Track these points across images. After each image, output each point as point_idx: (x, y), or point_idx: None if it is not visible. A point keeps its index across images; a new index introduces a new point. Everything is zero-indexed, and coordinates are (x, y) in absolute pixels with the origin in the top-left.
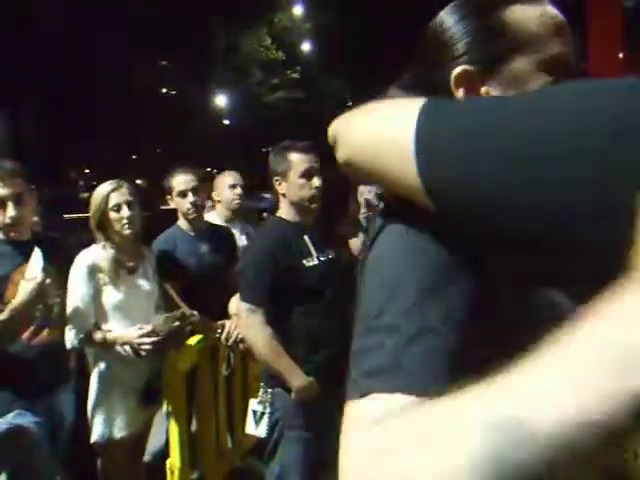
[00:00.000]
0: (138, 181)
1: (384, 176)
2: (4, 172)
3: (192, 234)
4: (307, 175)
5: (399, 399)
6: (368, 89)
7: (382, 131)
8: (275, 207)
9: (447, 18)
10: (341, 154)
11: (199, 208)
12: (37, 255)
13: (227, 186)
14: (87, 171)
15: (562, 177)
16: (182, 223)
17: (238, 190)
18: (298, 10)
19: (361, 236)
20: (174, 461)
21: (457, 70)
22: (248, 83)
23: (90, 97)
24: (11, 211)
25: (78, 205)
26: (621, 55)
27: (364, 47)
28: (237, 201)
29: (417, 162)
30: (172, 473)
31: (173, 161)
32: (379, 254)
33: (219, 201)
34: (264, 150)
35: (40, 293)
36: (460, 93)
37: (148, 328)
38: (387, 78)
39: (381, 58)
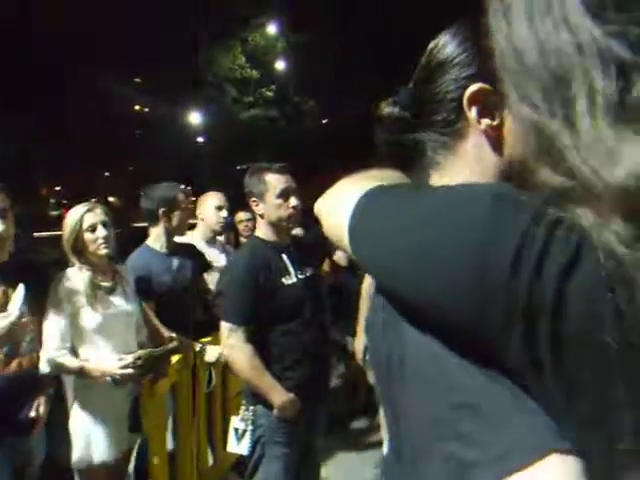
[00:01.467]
0: (110, 198)
1: (343, 249)
2: None
3: (164, 252)
4: (284, 195)
5: None
6: (343, 107)
7: (335, 217)
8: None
9: (453, 37)
10: (323, 228)
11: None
12: (19, 292)
13: (213, 207)
14: (58, 188)
15: (440, 273)
16: (152, 241)
17: (224, 213)
18: (272, 29)
19: None
20: None
21: (473, 88)
22: (222, 101)
23: (61, 113)
24: None
25: (48, 223)
26: None
27: (339, 66)
28: (222, 223)
29: (350, 246)
30: None
31: (145, 178)
32: None
33: (202, 219)
34: (239, 168)
35: (11, 332)
36: (474, 112)
37: (129, 359)
38: (362, 96)
39: (356, 77)
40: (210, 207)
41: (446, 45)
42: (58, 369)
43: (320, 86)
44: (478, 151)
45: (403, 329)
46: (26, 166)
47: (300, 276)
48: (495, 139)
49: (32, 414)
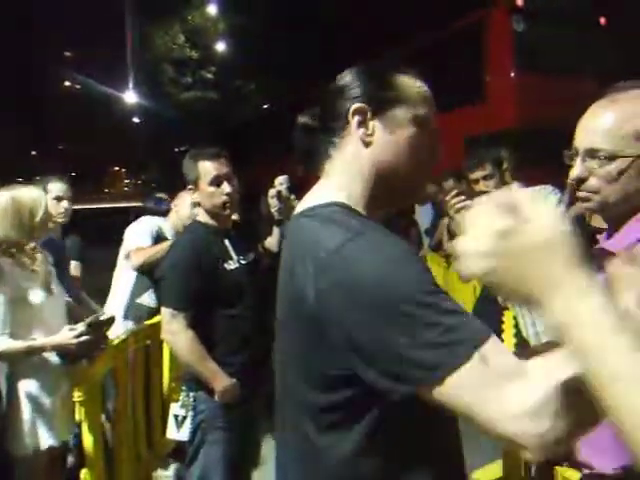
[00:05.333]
0: (37, 177)
1: None
2: None
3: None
4: (216, 182)
5: None
6: (284, 91)
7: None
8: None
9: (351, 73)
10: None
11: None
12: None
13: (190, 205)
14: None
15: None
16: None
17: (196, 210)
18: (212, 9)
19: (276, 231)
20: (89, 471)
21: (356, 105)
22: (159, 81)
23: None
24: None
25: None
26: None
27: (280, 49)
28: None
29: None
30: None
31: (77, 158)
32: None
33: (176, 211)
34: (177, 150)
35: None
36: (354, 121)
37: (81, 327)
38: (303, 80)
39: (298, 60)
40: (188, 204)
41: (346, 76)
42: (3, 355)
43: (261, 70)
44: (355, 151)
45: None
46: None
47: (242, 261)
48: (367, 144)
49: None
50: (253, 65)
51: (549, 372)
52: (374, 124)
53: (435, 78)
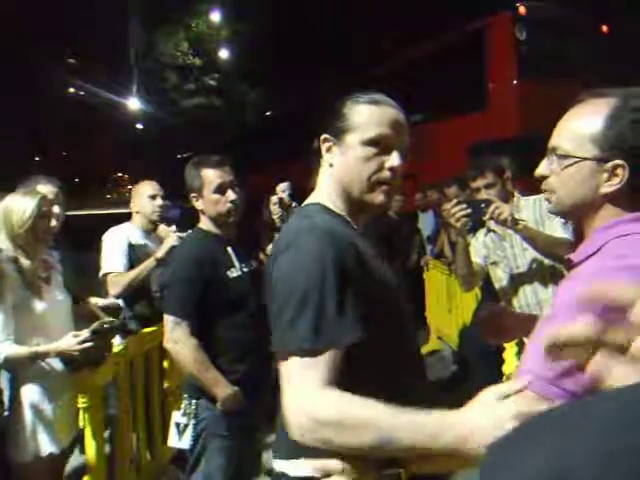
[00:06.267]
0: (40, 185)
1: None
2: None
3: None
4: (220, 190)
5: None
6: (286, 98)
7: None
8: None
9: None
10: None
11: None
12: None
13: (147, 196)
14: None
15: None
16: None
17: (158, 201)
18: (216, 16)
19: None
20: (91, 478)
21: (322, 135)
22: (163, 88)
23: None
24: None
25: None
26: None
27: (283, 56)
28: (158, 212)
29: None
30: None
31: (81, 164)
32: None
33: (137, 212)
34: (179, 157)
35: None
36: (324, 149)
37: (85, 334)
38: (307, 88)
39: (300, 67)
40: (144, 197)
41: (325, 110)
42: (6, 360)
43: (264, 76)
44: (326, 169)
45: None
46: None
47: (245, 269)
48: (331, 165)
49: None
50: (256, 72)
51: (342, 405)
52: (335, 149)
53: (438, 85)
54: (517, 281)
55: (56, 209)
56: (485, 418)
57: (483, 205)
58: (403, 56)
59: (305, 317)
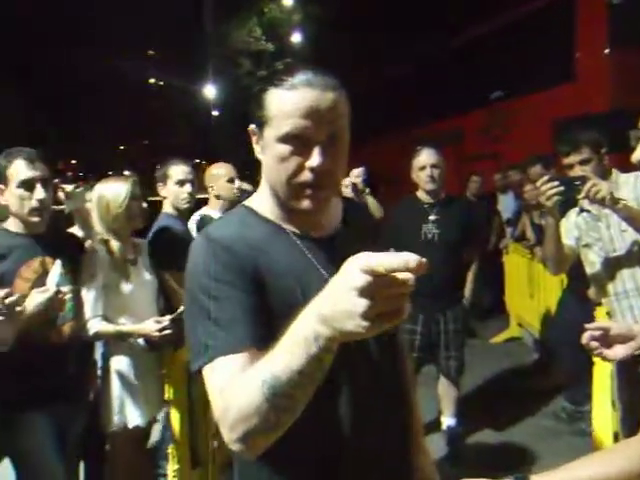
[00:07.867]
0: (126, 172)
1: None
2: (32, 155)
3: (181, 222)
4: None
5: None
6: (355, 80)
7: None
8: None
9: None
10: None
11: (193, 199)
12: (56, 267)
13: (225, 180)
14: (73, 162)
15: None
16: (171, 211)
17: (237, 183)
18: (289, 1)
19: None
20: (175, 447)
21: (250, 126)
22: (237, 74)
23: (76, 89)
24: (40, 193)
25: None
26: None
27: (353, 38)
28: (237, 194)
29: None
30: (173, 458)
31: (161, 152)
32: None
33: (217, 196)
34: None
35: (49, 307)
36: (253, 141)
37: (166, 321)
38: (380, 70)
39: (371, 50)
40: (223, 180)
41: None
42: (96, 335)
43: (336, 60)
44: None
45: None
46: (42, 141)
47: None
48: (261, 159)
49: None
50: (327, 56)
51: (235, 395)
52: (260, 144)
53: (521, 56)
54: (613, 265)
55: (188, 188)
56: (334, 286)
57: (578, 182)
58: (486, 25)
59: (190, 337)
